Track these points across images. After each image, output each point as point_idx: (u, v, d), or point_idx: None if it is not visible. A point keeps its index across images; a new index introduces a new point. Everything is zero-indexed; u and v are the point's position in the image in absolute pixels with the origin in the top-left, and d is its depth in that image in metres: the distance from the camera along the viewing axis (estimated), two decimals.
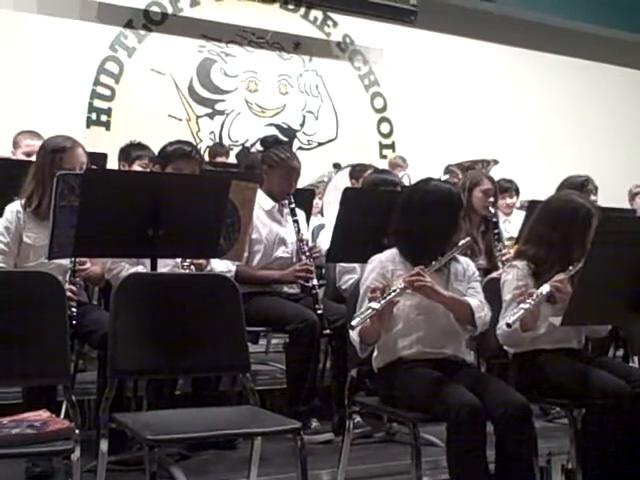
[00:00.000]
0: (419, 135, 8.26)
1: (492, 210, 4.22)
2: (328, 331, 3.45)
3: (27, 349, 2.45)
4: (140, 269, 3.24)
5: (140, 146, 4.49)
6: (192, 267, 3.30)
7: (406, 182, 5.27)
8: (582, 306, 2.62)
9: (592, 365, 2.95)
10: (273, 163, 3.83)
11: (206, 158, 6.06)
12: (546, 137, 8.74)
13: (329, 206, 5.35)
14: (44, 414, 2.32)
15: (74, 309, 3.04)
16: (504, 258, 3.97)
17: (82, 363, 3.59)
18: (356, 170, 5.56)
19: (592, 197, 4.47)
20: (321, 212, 5.49)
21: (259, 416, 2.59)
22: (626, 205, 6.10)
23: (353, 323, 2.60)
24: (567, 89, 9.03)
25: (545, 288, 2.86)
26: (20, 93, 6.63)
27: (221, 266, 3.51)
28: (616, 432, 2.74)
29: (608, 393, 2.73)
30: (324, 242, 4.04)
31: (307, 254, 3.71)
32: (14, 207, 3.24)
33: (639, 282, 2.61)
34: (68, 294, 2.93)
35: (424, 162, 6.86)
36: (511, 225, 5.31)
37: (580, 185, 4.45)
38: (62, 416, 2.59)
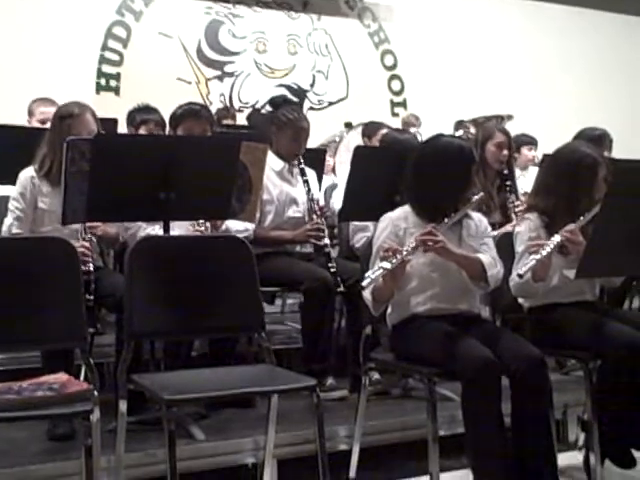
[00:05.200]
0: (431, 92, 8.16)
1: (504, 165, 4.16)
2: (342, 288, 3.46)
3: (43, 314, 2.47)
4: (157, 228, 3.24)
5: (147, 110, 4.45)
6: (207, 225, 3.30)
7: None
8: (596, 258, 2.61)
9: (607, 317, 2.95)
10: (281, 124, 3.81)
11: None
12: (560, 91, 8.62)
13: (341, 166, 5.33)
14: (63, 377, 2.34)
15: (90, 265, 3.04)
16: (517, 210, 3.94)
17: (100, 327, 3.61)
18: (368, 128, 5.52)
19: (606, 152, 4.42)
20: (334, 171, 5.47)
21: (275, 374, 2.61)
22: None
23: (363, 283, 2.60)
24: (580, 41, 8.88)
25: (556, 238, 2.86)
26: (29, 61, 6.59)
27: (238, 226, 3.52)
28: (631, 383, 2.75)
29: (623, 345, 2.73)
30: (337, 202, 4.03)
31: (318, 213, 3.71)
32: (28, 173, 3.26)
33: None
34: (81, 250, 2.96)
35: (436, 119, 6.79)
36: (526, 180, 5.28)
37: (597, 138, 4.39)
38: (82, 379, 2.62)
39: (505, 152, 4.12)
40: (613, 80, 8.89)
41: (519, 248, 3.00)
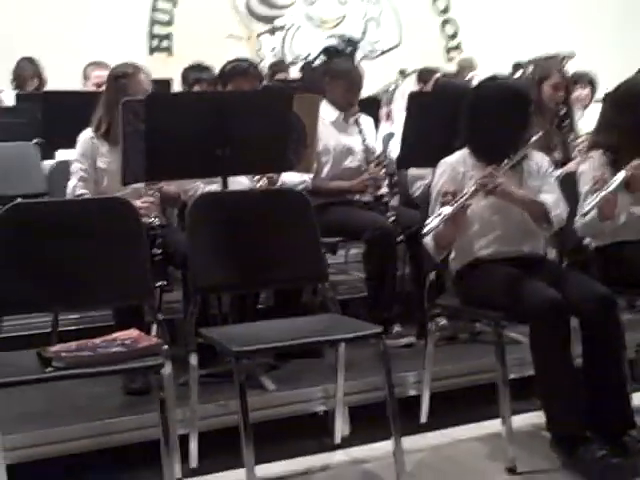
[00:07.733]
0: (486, 34, 7.97)
1: (562, 106, 4.05)
2: (402, 237, 3.44)
3: (111, 273, 2.52)
4: (214, 187, 3.26)
5: (200, 68, 4.46)
6: (264, 180, 3.31)
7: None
8: None
9: None
10: (335, 74, 3.80)
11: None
12: (623, 26, 8.31)
13: (398, 113, 5.26)
14: (133, 332, 2.39)
15: (156, 220, 3.07)
16: (578, 148, 3.85)
17: (169, 283, 3.65)
18: (423, 74, 5.45)
19: None
20: (390, 119, 5.42)
21: (342, 323, 2.62)
22: None
23: (424, 231, 2.58)
24: None
25: (621, 174, 2.77)
26: (82, 28, 6.66)
27: (294, 178, 3.51)
28: None
29: None
30: (394, 150, 3.99)
31: (375, 162, 3.68)
32: (87, 134, 3.30)
33: None
34: (145, 205, 3.02)
35: (493, 61, 6.64)
36: (585, 118, 5.12)
37: None
38: (153, 335, 2.67)
39: (561, 93, 4.02)
40: None
41: (584, 188, 2.92)
